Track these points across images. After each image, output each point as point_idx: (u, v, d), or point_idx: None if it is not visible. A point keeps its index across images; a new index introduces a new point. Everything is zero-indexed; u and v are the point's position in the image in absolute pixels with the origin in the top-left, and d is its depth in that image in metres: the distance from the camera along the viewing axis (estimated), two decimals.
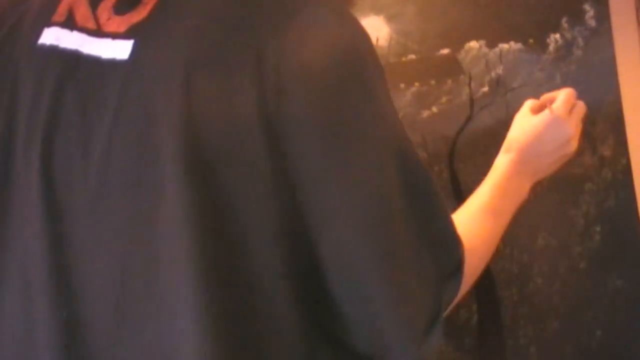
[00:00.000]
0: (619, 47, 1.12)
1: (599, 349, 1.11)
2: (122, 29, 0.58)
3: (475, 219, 0.75)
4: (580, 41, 1.16)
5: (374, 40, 1.29)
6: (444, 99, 1.23)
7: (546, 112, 0.88)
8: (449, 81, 1.23)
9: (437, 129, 1.23)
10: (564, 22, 1.17)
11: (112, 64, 0.57)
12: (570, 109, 0.91)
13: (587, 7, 1.16)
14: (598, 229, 1.13)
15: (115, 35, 0.58)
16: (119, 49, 0.57)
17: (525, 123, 0.90)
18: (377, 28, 1.26)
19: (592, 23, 1.15)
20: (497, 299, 1.17)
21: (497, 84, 1.20)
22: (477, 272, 0.74)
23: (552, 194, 1.15)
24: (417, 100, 1.25)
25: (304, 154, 0.55)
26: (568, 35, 1.17)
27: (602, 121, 1.14)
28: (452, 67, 1.23)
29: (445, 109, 1.23)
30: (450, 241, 0.65)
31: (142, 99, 0.56)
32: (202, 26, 0.57)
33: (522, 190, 0.85)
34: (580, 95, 1.13)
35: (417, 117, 1.24)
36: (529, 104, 0.94)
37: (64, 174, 0.58)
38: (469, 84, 1.22)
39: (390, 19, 1.26)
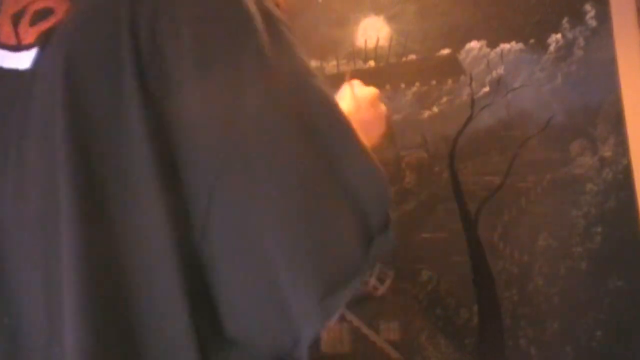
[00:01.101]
0: (620, 47, 1.12)
1: (599, 349, 1.10)
2: (32, 39, 0.60)
3: None
4: (581, 41, 1.16)
5: (374, 40, 1.29)
6: (444, 99, 1.23)
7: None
8: (450, 81, 1.23)
9: (438, 129, 1.23)
10: (565, 22, 1.17)
11: (18, 73, 0.59)
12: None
13: (588, 7, 1.16)
14: (599, 229, 1.13)
15: (28, 47, 0.60)
16: (25, 59, 0.59)
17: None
18: (377, 28, 1.26)
19: (593, 23, 1.15)
20: (498, 299, 1.17)
21: (498, 84, 1.20)
22: None
23: (552, 195, 1.15)
24: (417, 101, 1.25)
25: (178, 76, 0.53)
26: (569, 36, 1.16)
27: (602, 122, 1.13)
28: (452, 67, 1.23)
29: (446, 109, 1.23)
30: (372, 184, 0.58)
31: (39, 103, 0.57)
32: (81, 13, 0.58)
33: None
34: (580, 95, 1.14)
35: (417, 117, 1.24)
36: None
37: None
38: (470, 84, 1.22)
39: (390, 19, 1.26)
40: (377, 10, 1.27)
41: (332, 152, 0.55)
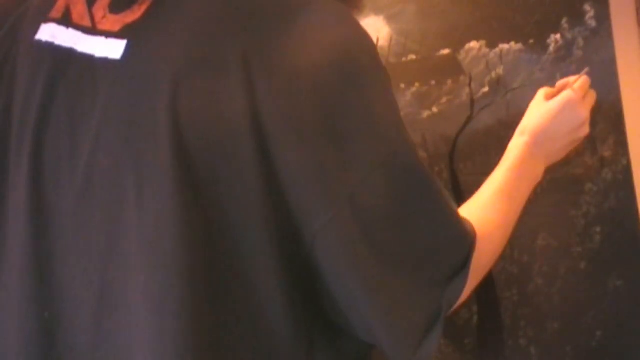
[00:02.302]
0: (620, 47, 1.12)
1: (599, 349, 1.11)
2: (116, 28, 0.58)
3: (490, 204, 0.74)
4: (580, 41, 1.16)
5: (374, 41, 1.29)
6: (444, 99, 1.23)
7: (565, 93, 0.89)
8: (450, 81, 1.23)
9: (438, 129, 1.23)
10: (565, 22, 1.17)
11: (104, 62, 0.57)
12: (584, 95, 0.92)
13: (587, 7, 1.16)
14: (598, 229, 1.13)
15: (108, 34, 0.58)
16: (112, 48, 0.57)
17: (540, 107, 0.90)
18: (377, 28, 1.26)
19: (593, 23, 1.15)
20: (498, 299, 1.17)
21: (498, 84, 1.20)
22: (495, 256, 0.73)
23: (552, 195, 1.15)
24: (417, 101, 1.25)
25: (291, 155, 0.54)
26: (568, 36, 1.17)
27: (602, 122, 1.14)
28: (452, 68, 1.24)
29: (446, 109, 1.23)
30: (453, 239, 0.63)
31: (130, 100, 0.55)
32: (195, 28, 0.56)
33: (536, 172, 0.86)
34: None
35: (417, 118, 1.24)
36: (543, 91, 0.94)
37: (52, 171, 0.58)
38: (470, 85, 1.22)
39: (390, 19, 1.26)
40: (377, 10, 1.27)
41: (423, 216, 0.61)
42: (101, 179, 0.55)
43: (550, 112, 0.88)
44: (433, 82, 1.24)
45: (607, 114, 1.13)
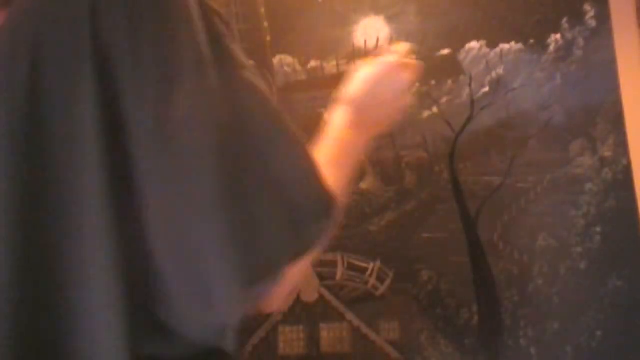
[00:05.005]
0: (620, 47, 1.12)
1: (599, 349, 1.11)
2: None
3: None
4: (580, 41, 1.16)
5: (374, 40, 1.29)
6: (444, 99, 1.23)
7: (382, 58, 0.88)
8: (450, 81, 1.23)
9: (438, 129, 1.23)
10: (565, 22, 1.17)
11: None
12: (404, 62, 0.91)
13: (587, 7, 1.16)
14: (598, 229, 1.13)
15: None
16: None
17: (361, 74, 0.89)
18: (377, 28, 1.26)
19: (593, 23, 1.15)
20: (498, 299, 1.17)
21: (498, 84, 1.20)
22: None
23: (552, 195, 1.15)
24: (417, 101, 1.25)
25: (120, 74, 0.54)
26: (568, 36, 1.17)
27: (602, 122, 1.14)
28: (452, 68, 1.24)
29: (446, 110, 1.23)
30: (299, 177, 0.59)
31: None
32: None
33: (360, 142, 0.84)
34: (580, 96, 1.14)
35: (417, 118, 1.24)
36: (367, 62, 0.93)
37: None
38: (470, 84, 1.22)
39: (390, 19, 1.26)
40: (377, 10, 1.27)
41: (262, 151, 0.57)
42: None
43: (370, 77, 0.87)
44: (433, 82, 1.24)
45: (607, 114, 1.13)
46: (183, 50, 0.57)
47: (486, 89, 1.19)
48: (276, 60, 1.32)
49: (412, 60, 0.91)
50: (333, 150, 0.79)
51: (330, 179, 0.71)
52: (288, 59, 1.32)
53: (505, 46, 1.20)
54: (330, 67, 1.29)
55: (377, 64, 0.85)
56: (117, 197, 0.54)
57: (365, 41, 1.27)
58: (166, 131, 0.54)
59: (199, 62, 0.57)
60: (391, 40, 1.25)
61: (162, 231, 0.54)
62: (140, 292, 0.55)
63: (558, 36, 1.17)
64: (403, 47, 0.89)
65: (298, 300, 1.26)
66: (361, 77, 0.87)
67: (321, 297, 1.26)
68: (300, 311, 1.26)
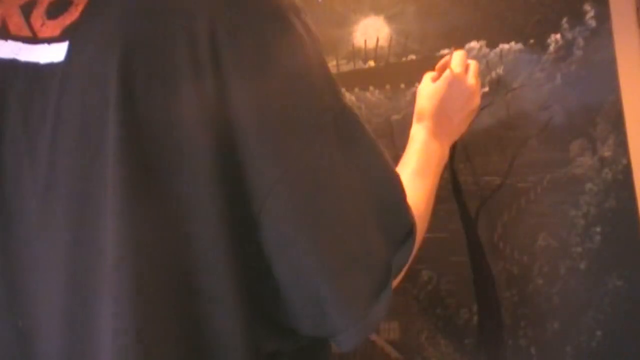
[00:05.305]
0: (620, 47, 1.12)
1: (599, 349, 1.11)
2: (57, 32, 0.58)
3: (410, 186, 0.75)
4: (580, 41, 1.16)
5: (374, 40, 1.29)
6: None
7: (445, 74, 0.96)
8: None
9: None
10: (565, 22, 1.17)
11: (50, 67, 0.57)
12: (466, 69, 0.98)
13: (587, 7, 1.16)
14: (598, 229, 1.13)
15: (51, 40, 0.58)
16: (56, 52, 0.57)
17: (429, 90, 0.96)
18: (377, 28, 1.26)
19: (593, 23, 1.15)
20: (498, 299, 1.17)
21: (498, 84, 1.20)
22: (424, 231, 0.77)
23: (552, 195, 1.15)
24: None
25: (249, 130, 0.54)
26: (569, 36, 1.17)
27: (602, 122, 1.14)
28: None
29: None
30: (399, 207, 0.64)
31: (80, 96, 0.55)
32: (134, 14, 0.56)
33: (442, 151, 0.91)
34: (580, 96, 1.14)
35: None
36: (428, 75, 1.01)
37: (13, 181, 0.57)
38: None
39: (390, 19, 1.26)
40: (377, 10, 1.27)
41: (375, 183, 0.61)
42: (62, 180, 0.55)
43: (438, 93, 0.95)
44: None
45: (607, 114, 1.13)
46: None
47: (486, 88, 1.19)
48: None
49: (470, 62, 0.97)
50: (419, 163, 0.84)
51: (419, 189, 0.75)
52: None
53: (505, 46, 1.20)
54: (330, 67, 1.29)
55: (442, 79, 0.94)
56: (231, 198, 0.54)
57: (365, 41, 1.27)
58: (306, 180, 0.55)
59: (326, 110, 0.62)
60: (391, 40, 1.25)
61: (276, 246, 0.55)
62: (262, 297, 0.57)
63: (558, 36, 1.17)
64: (459, 57, 0.95)
65: None
66: (430, 92, 0.93)
67: None
68: None
